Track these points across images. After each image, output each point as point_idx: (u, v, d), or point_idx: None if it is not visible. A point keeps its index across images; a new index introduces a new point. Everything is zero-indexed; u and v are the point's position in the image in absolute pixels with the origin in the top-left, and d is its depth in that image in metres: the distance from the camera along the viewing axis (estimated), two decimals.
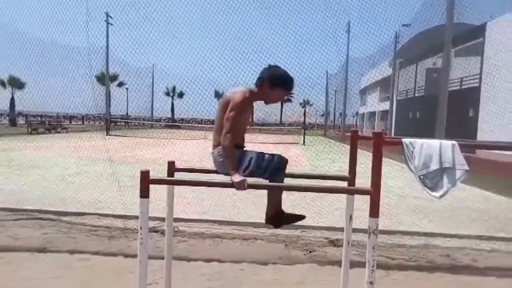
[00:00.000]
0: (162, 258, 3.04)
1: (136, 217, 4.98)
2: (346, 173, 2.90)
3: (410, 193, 7.66)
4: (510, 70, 12.16)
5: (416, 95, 25.46)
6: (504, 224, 5.60)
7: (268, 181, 2.70)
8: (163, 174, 3.01)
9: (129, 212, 5.31)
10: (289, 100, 2.89)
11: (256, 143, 19.36)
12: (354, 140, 2.81)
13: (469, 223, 5.75)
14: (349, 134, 2.95)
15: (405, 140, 2.17)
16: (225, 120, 2.54)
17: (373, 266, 2.22)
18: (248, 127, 2.97)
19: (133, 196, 5.94)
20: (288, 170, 2.85)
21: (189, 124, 37.68)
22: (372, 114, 40.65)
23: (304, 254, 4.21)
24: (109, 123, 24.50)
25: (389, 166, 8.94)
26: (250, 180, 2.52)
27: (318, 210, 5.71)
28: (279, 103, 3.02)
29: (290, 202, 6.37)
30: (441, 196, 2.07)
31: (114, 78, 28.65)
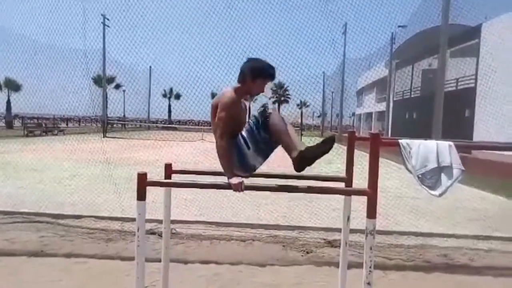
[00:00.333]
0: (160, 260, 3.04)
1: (133, 219, 4.97)
2: (343, 174, 2.91)
3: (407, 193, 7.68)
4: (505, 71, 12.24)
5: (412, 95, 25.56)
6: (501, 223, 5.62)
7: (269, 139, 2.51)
8: (160, 176, 3.01)
9: (126, 214, 5.29)
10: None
11: None
12: (351, 141, 2.81)
13: (466, 223, 5.77)
14: (346, 135, 2.95)
15: (402, 141, 2.18)
16: (216, 123, 2.55)
17: (370, 267, 2.23)
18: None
19: (130, 198, 5.93)
20: (285, 171, 2.85)
21: (186, 126, 37.61)
22: (369, 115, 40.75)
23: (302, 255, 4.21)
24: (106, 125, 24.43)
25: (386, 166, 8.97)
26: (248, 181, 2.52)
27: (316, 211, 5.72)
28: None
29: (286, 203, 6.40)
30: (441, 195, 2.08)
31: (111, 80, 28.58)
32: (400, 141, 2.19)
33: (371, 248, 2.22)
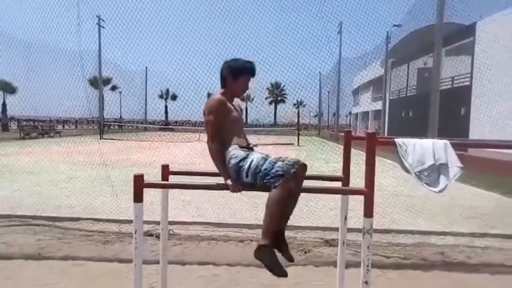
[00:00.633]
0: (158, 262, 3.04)
1: (131, 221, 4.96)
2: (340, 173, 2.92)
3: (403, 191, 7.71)
4: (500, 69, 12.33)
5: (408, 94, 25.64)
6: (497, 221, 5.66)
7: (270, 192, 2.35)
8: (157, 177, 3.01)
9: (123, 216, 5.28)
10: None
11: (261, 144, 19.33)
12: (348, 141, 2.82)
13: (462, 220, 5.80)
14: (342, 134, 2.96)
15: (398, 140, 2.19)
16: (206, 127, 2.58)
17: (368, 266, 2.24)
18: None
19: (128, 200, 5.92)
20: None
21: (183, 127, 37.56)
22: (365, 114, 40.86)
23: (300, 255, 4.22)
24: (103, 126, 24.36)
25: (382, 165, 9.02)
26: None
27: (313, 211, 5.73)
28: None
29: None
30: (440, 191, 2.09)
31: (107, 81, 28.49)
32: (396, 140, 2.20)
33: (368, 247, 2.24)
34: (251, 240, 4.61)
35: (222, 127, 2.58)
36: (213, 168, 2.80)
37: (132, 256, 2.33)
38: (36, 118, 34.53)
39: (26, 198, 6.62)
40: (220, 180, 2.70)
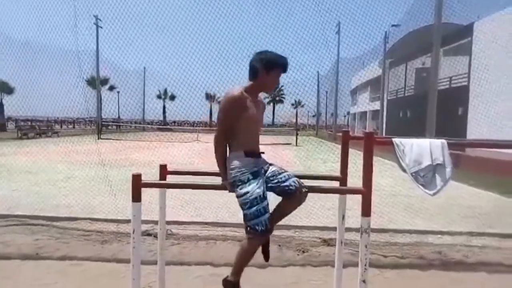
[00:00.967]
0: (156, 262, 3.04)
1: (129, 221, 4.95)
2: (337, 172, 2.92)
3: (401, 191, 7.73)
4: (497, 69, 12.36)
5: (406, 94, 25.70)
6: (494, 220, 5.68)
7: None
8: (155, 177, 3.01)
9: (121, 216, 5.28)
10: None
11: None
12: (346, 140, 2.83)
13: (460, 220, 5.82)
14: (340, 134, 2.97)
15: (396, 140, 2.20)
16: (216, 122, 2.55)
17: (365, 265, 2.25)
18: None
19: (126, 200, 5.91)
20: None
21: (181, 127, 37.55)
22: (363, 114, 40.92)
23: (298, 254, 4.23)
24: (101, 126, 24.32)
25: (380, 165, 9.02)
26: None
27: (311, 210, 5.73)
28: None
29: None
30: (435, 194, 2.10)
31: (105, 81, 28.47)
32: (393, 139, 2.21)
33: (366, 246, 2.24)
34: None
35: (233, 126, 2.49)
36: (211, 168, 2.80)
37: (130, 256, 2.33)
38: (33, 118, 34.45)
39: (24, 197, 6.60)
40: (218, 180, 2.70)
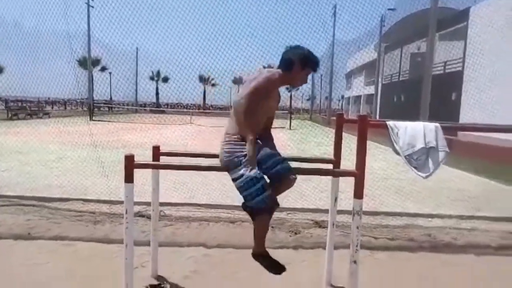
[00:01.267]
0: (148, 243, 3.05)
1: (122, 202, 4.94)
2: (331, 156, 2.92)
3: (393, 175, 7.80)
4: (492, 54, 12.35)
5: (400, 79, 25.68)
6: (483, 204, 5.77)
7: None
8: (148, 158, 2.98)
9: (114, 197, 5.26)
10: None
11: None
12: (340, 123, 2.82)
13: (450, 203, 5.90)
14: (334, 118, 2.96)
15: (390, 123, 2.20)
16: (245, 96, 2.41)
17: (357, 246, 2.27)
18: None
19: (119, 181, 5.88)
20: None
21: (174, 109, 37.26)
22: (358, 98, 40.91)
23: (290, 236, 4.27)
24: (92, 108, 24.04)
25: (373, 149, 9.08)
26: None
27: (303, 192, 5.77)
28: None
29: None
30: (427, 177, 2.11)
31: (96, 62, 27.96)
32: (387, 122, 2.21)
33: (358, 228, 2.26)
34: (242, 221, 4.64)
35: (258, 103, 2.45)
36: (204, 150, 2.78)
37: (123, 236, 2.32)
38: (24, 99, 33.89)
39: (15, 177, 6.55)
40: (212, 161, 2.69)
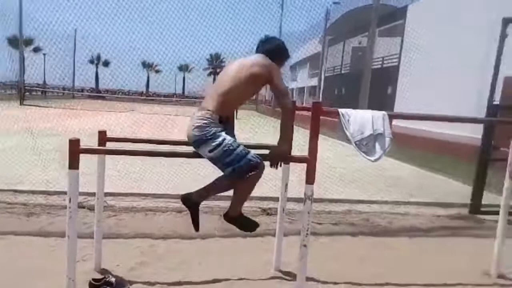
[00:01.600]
0: (90, 235, 2.90)
1: (60, 193, 4.65)
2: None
3: (338, 164, 8.14)
4: (426, 51, 13.23)
5: (342, 72, 26.73)
6: (415, 190, 6.24)
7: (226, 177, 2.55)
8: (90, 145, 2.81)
9: (51, 187, 4.92)
10: None
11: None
12: (292, 112, 2.87)
13: (386, 190, 6.30)
14: (278, 109, 3.00)
15: (341, 110, 2.29)
16: (276, 88, 2.51)
17: (307, 230, 2.35)
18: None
19: (55, 170, 5.50)
20: None
21: (116, 95, 35.47)
22: (302, 89, 41.98)
23: None
24: (24, 91, 22.10)
25: (322, 140, 9.38)
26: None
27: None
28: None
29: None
30: (376, 160, 2.25)
31: (29, 42, 25.63)
32: (339, 110, 2.30)
33: (308, 213, 2.34)
34: None
35: (253, 92, 2.62)
36: (153, 136, 2.68)
37: (66, 227, 2.18)
38: None
39: None
40: (161, 147, 2.60)
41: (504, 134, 4.90)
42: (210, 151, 2.43)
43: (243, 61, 2.61)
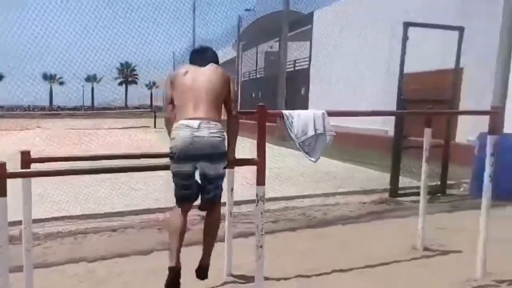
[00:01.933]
0: (17, 268, 2.57)
1: None
2: None
3: (273, 164, 8.30)
4: (331, 55, 14.25)
5: (257, 76, 27.49)
6: (342, 182, 6.69)
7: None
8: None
9: None
10: None
11: (107, 129, 17.88)
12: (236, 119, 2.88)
13: (316, 184, 6.63)
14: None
15: (285, 112, 2.38)
16: (234, 95, 2.59)
17: (262, 231, 2.39)
18: None
19: None
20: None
21: (12, 112, 31.61)
22: None
23: None
24: None
25: (253, 146, 9.50)
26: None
27: None
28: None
29: (159, 187, 6.08)
30: (316, 160, 2.37)
31: None
32: (283, 112, 2.38)
33: (261, 213, 2.38)
34: (125, 228, 4.33)
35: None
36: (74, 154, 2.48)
37: None
38: None
39: None
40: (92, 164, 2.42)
41: (410, 125, 5.57)
42: (224, 168, 2.49)
43: (211, 69, 2.56)
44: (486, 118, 3.07)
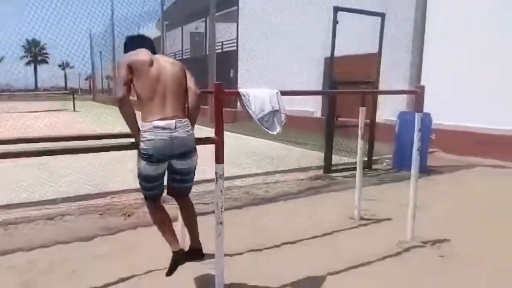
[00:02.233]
0: None
1: None
2: None
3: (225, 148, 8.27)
4: (255, 37, 14.37)
5: (184, 57, 26.77)
6: (281, 161, 6.94)
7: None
8: None
9: None
10: None
11: (21, 112, 16.16)
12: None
13: (258, 163, 6.79)
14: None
15: (242, 90, 2.43)
16: (195, 84, 2.54)
17: (221, 208, 2.45)
18: None
19: None
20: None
21: None
22: None
23: (124, 219, 4.07)
24: None
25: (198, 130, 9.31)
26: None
27: (119, 175, 5.49)
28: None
29: (92, 171, 5.75)
30: (277, 134, 2.49)
31: None
32: (240, 90, 2.44)
33: (221, 191, 2.44)
34: (63, 215, 4.08)
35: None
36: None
37: None
38: None
39: None
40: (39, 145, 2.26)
41: (339, 108, 5.97)
42: (197, 159, 2.56)
43: (169, 61, 2.51)
44: (397, 99, 3.43)
